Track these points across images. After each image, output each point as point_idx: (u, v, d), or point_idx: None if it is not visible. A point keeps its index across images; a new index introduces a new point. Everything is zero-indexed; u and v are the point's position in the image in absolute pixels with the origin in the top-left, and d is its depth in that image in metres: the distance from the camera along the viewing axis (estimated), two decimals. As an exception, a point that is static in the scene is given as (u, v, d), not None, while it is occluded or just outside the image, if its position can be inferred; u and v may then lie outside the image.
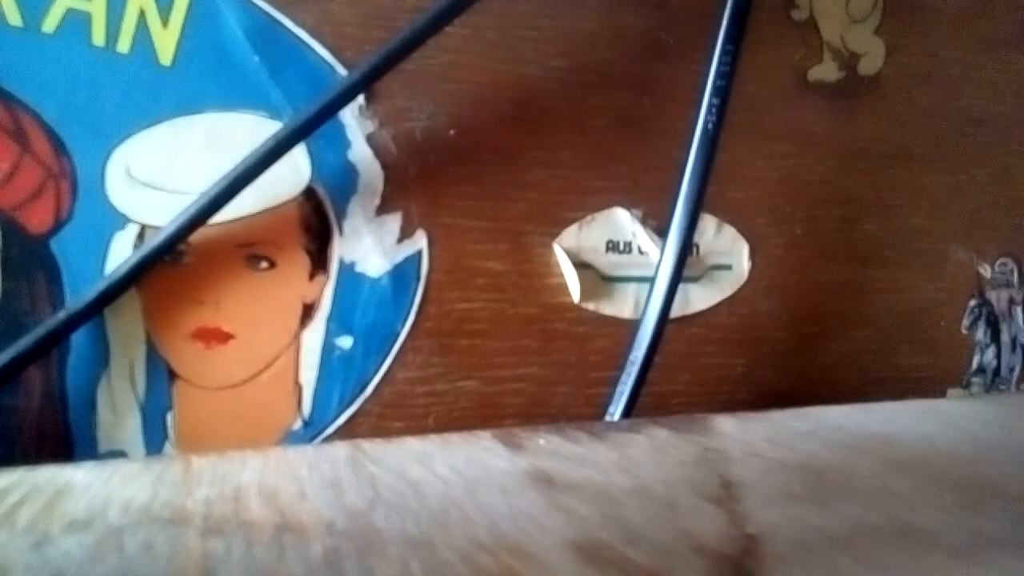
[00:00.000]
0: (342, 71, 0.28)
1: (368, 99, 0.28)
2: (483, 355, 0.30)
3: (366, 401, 0.29)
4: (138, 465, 0.21)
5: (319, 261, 0.29)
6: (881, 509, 0.17)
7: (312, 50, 0.28)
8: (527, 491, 0.18)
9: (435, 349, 0.30)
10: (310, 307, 0.29)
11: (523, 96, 0.30)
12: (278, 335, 0.28)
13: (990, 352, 0.39)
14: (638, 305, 0.30)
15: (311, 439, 0.28)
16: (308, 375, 0.28)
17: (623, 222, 0.32)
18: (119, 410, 0.27)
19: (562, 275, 0.31)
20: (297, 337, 0.28)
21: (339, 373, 0.29)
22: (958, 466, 0.21)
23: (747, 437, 0.24)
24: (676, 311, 0.31)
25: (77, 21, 0.26)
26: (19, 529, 0.16)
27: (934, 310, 0.38)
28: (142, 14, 0.26)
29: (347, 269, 0.29)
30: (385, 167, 0.29)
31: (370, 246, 0.29)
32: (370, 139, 0.29)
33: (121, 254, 0.26)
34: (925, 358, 0.38)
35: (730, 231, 0.34)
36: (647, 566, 0.14)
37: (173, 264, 0.27)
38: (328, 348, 0.29)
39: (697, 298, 0.33)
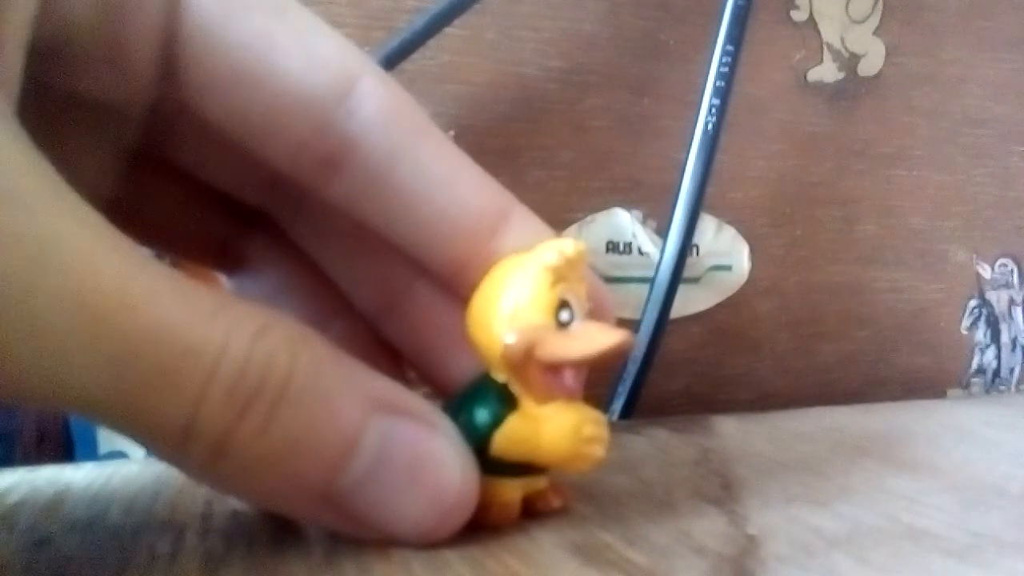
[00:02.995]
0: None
1: (368, 100, 0.28)
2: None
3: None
4: (138, 466, 0.21)
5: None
6: (881, 509, 0.17)
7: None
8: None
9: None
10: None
11: (523, 96, 0.30)
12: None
13: (990, 353, 0.39)
14: (638, 305, 0.30)
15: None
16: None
17: (623, 222, 0.32)
18: (119, 411, 0.27)
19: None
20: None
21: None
22: (958, 466, 0.21)
23: (747, 437, 0.24)
24: (676, 311, 0.31)
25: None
26: (20, 530, 0.16)
27: (934, 310, 0.38)
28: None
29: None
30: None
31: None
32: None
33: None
34: (925, 358, 0.38)
35: (730, 231, 0.34)
36: (647, 566, 0.14)
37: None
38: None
39: (697, 298, 0.33)
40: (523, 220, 0.17)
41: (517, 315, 0.14)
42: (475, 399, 0.15)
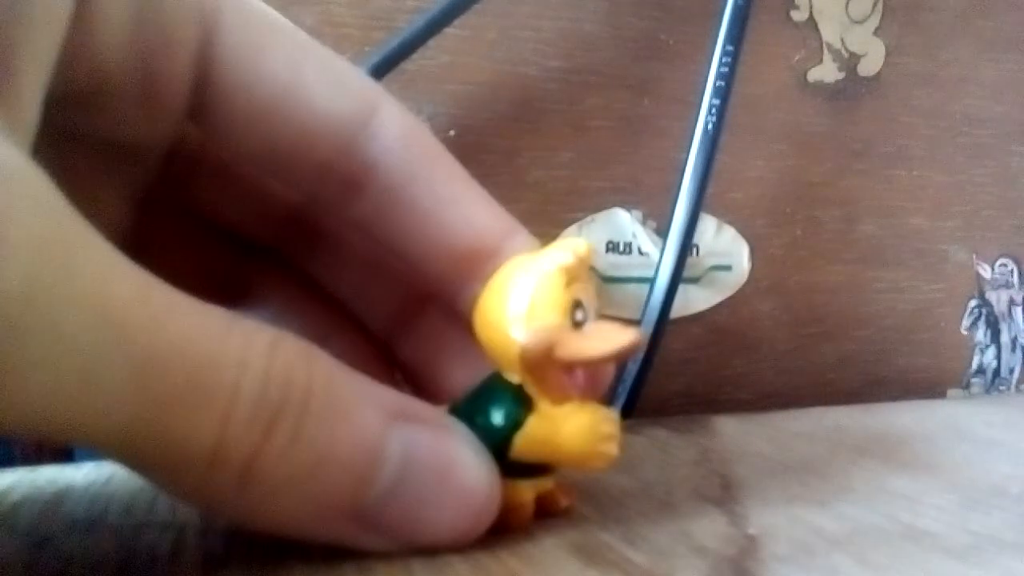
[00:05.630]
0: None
1: (368, 100, 0.28)
2: (483, 355, 0.30)
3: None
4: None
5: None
6: (881, 509, 0.17)
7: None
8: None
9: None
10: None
11: (523, 96, 0.30)
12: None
13: (990, 353, 0.39)
14: (638, 305, 0.30)
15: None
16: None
17: (623, 222, 0.32)
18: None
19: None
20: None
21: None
22: (958, 466, 0.21)
23: (747, 437, 0.24)
24: (676, 311, 0.31)
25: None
26: (20, 530, 0.16)
27: (934, 310, 0.38)
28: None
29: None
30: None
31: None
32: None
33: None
34: (925, 358, 0.38)
35: (730, 231, 0.34)
36: (647, 566, 0.14)
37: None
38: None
39: (697, 298, 0.33)
40: (525, 241, 0.17)
41: (534, 315, 0.14)
42: (490, 401, 0.15)
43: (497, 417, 0.15)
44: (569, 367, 0.15)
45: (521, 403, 0.15)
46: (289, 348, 0.13)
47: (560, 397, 0.15)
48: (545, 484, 0.16)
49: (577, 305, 0.15)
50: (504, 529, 0.15)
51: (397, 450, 0.14)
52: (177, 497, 0.14)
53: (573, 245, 0.15)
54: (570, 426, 0.15)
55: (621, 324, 0.15)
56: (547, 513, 0.16)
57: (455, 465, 0.14)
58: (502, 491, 0.15)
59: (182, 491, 0.13)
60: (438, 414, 0.15)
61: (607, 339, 0.15)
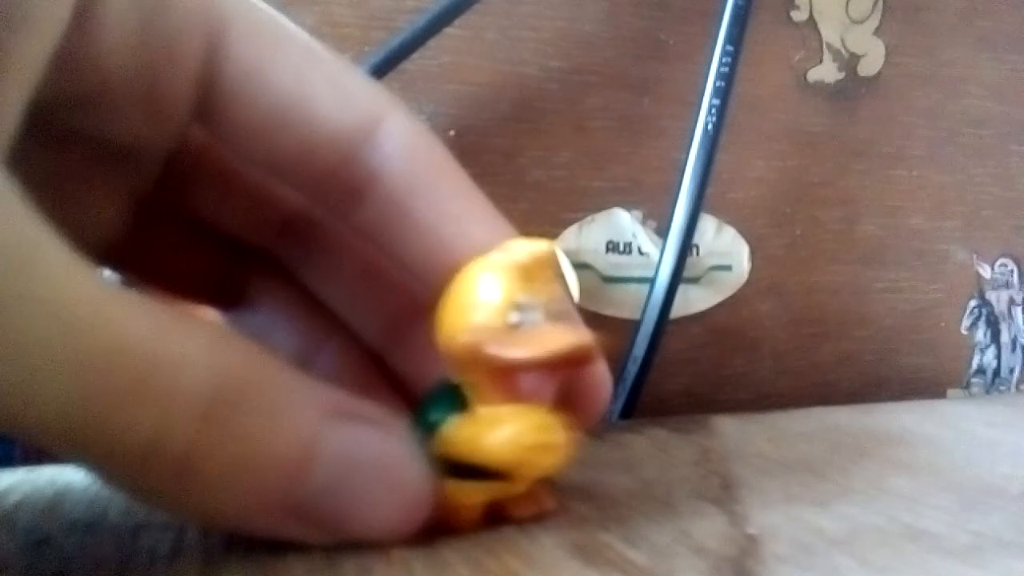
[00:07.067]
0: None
1: (368, 100, 0.28)
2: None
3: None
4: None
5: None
6: (881, 509, 0.17)
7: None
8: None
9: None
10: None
11: (523, 96, 0.30)
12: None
13: (990, 352, 0.39)
14: (638, 305, 0.30)
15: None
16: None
17: (623, 223, 0.32)
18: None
19: (562, 276, 0.31)
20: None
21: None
22: (958, 466, 0.21)
23: (747, 437, 0.24)
24: (676, 311, 0.31)
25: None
26: (20, 530, 0.16)
27: (934, 310, 0.38)
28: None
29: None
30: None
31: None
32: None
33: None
34: (925, 358, 0.38)
35: (730, 232, 0.34)
36: (647, 566, 0.14)
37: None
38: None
39: (697, 298, 0.33)
40: None
41: (466, 316, 0.14)
42: (432, 401, 0.15)
43: (431, 416, 0.15)
44: (505, 369, 0.14)
45: (455, 404, 0.15)
46: (229, 346, 0.13)
47: (496, 399, 0.14)
48: (509, 489, 0.15)
49: (518, 306, 0.14)
50: (447, 529, 0.15)
51: (333, 447, 0.14)
52: (118, 489, 0.14)
53: (517, 245, 0.15)
54: (497, 431, 0.14)
55: (570, 328, 0.14)
56: (504, 520, 0.16)
57: (389, 462, 0.14)
58: (447, 491, 0.15)
59: (121, 483, 0.13)
60: (379, 412, 0.15)
61: (540, 343, 0.14)
